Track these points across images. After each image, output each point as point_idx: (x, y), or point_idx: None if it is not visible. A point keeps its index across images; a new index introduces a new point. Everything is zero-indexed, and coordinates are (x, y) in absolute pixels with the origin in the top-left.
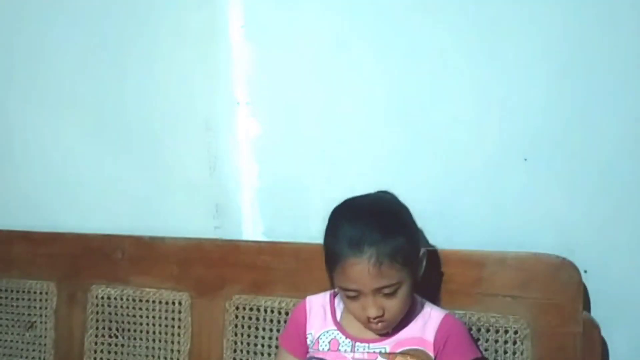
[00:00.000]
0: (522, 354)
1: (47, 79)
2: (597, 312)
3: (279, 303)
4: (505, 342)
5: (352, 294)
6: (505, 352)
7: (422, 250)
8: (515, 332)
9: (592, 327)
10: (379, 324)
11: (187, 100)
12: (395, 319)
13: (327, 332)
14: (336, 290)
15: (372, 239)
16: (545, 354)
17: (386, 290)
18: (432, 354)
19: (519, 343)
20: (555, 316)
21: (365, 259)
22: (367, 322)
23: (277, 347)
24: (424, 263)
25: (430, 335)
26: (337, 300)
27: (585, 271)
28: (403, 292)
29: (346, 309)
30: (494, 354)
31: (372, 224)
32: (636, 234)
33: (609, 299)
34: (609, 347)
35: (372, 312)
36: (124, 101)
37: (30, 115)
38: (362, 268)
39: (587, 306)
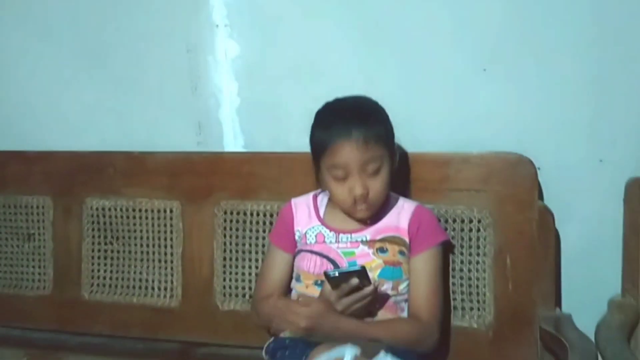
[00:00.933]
0: (485, 239)
1: (31, 3)
2: (550, 203)
3: (264, 206)
4: (470, 230)
5: (340, 173)
6: (470, 239)
7: (396, 144)
8: (479, 221)
9: (546, 214)
10: (363, 205)
11: (169, 24)
12: (377, 200)
13: (313, 227)
14: (319, 190)
15: (359, 123)
16: (506, 239)
17: (371, 167)
18: (407, 239)
19: (482, 230)
20: (514, 206)
21: (354, 139)
22: (352, 205)
23: (264, 246)
24: (397, 157)
25: (404, 223)
26: (319, 199)
27: (539, 168)
28: (384, 172)
29: (330, 204)
30: (460, 241)
31: (357, 113)
32: (584, 134)
33: (560, 191)
34: (560, 232)
35: (358, 190)
36: (108, 26)
37: (19, 39)
38: (351, 147)
39: (541, 198)
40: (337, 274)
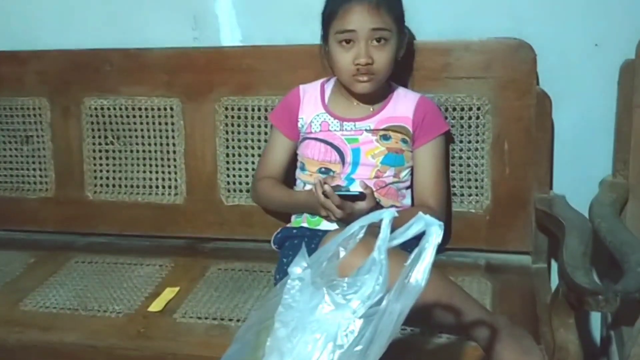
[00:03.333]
0: (484, 126)
1: None
2: (547, 88)
3: (265, 101)
4: (470, 117)
5: (347, 37)
6: (470, 127)
7: (406, 28)
8: (479, 109)
9: (544, 99)
10: (366, 75)
11: None
12: (380, 73)
13: (318, 115)
14: (326, 78)
15: None
16: (505, 124)
17: (378, 36)
18: (410, 129)
19: (481, 117)
20: (513, 91)
21: (367, 2)
22: (355, 74)
23: (265, 141)
24: (405, 43)
25: (408, 114)
26: (326, 86)
27: (536, 54)
28: (391, 46)
29: (335, 90)
30: (459, 129)
31: None
32: (579, 18)
33: (556, 76)
34: (554, 116)
35: (363, 59)
36: None
37: None
38: (363, 9)
39: (538, 84)
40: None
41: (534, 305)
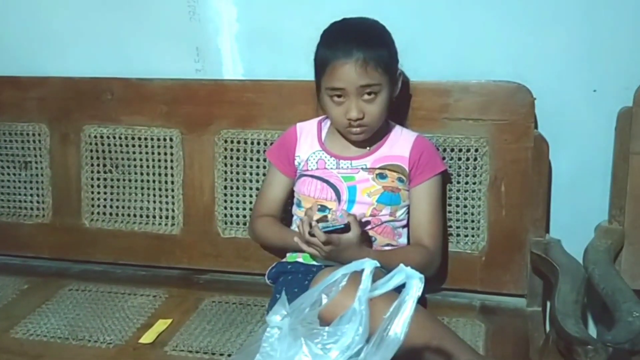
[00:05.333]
0: (481, 167)
1: None
2: (544, 132)
3: (265, 135)
4: (467, 158)
5: (337, 93)
6: (467, 168)
7: (399, 70)
8: (476, 150)
9: (541, 142)
10: (359, 127)
11: None
12: (372, 125)
13: (314, 153)
14: (323, 117)
15: (361, 45)
16: (502, 166)
17: (368, 91)
18: (406, 168)
19: (479, 159)
20: (510, 134)
21: (353, 60)
22: (348, 127)
23: (264, 174)
24: (400, 84)
25: (405, 153)
26: (322, 124)
27: (535, 98)
28: (382, 98)
29: (331, 129)
30: (457, 170)
31: (361, 34)
32: (579, 64)
33: (554, 121)
34: (552, 160)
35: (354, 114)
36: None
37: None
38: (350, 67)
39: (536, 127)
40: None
41: (527, 349)
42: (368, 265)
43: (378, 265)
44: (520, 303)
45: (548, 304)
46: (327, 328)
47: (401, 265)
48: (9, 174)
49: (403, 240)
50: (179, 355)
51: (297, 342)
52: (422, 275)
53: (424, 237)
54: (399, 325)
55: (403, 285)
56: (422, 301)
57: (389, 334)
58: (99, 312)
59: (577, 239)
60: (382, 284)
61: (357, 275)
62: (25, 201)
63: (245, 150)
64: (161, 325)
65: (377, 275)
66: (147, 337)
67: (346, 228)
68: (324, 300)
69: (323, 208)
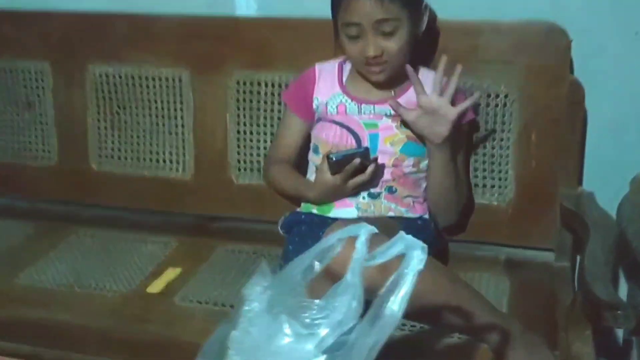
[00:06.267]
0: (510, 115)
1: None
2: (581, 76)
3: (280, 77)
4: (496, 105)
5: (353, 31)
6: (496, 115)
7: (424, 3)
8: (506, 96)
9: (577, 88)
10: (377, 66)
11: None
12: (392, 63)
13: (334, 96)
14: (345, 57)
15: None
16: (533, 114)
17: (386, 27)
18: None
19: (508, 105)
20: (543, 79)
21: None
22: (366, 66)
23: (279, 118)
24: (425, 18)
25: None
26: (344, 66)
27: (571, 40)
28: (402, 34)
29: (353, 71)
30: (485, 117)
31: None
32: (622, 5)
33: (591, 65)
34: (587, 108)
35: (371, 51)
36: None
37: None
38: (364, 3)
39: (571, 72)
40: (341, 157)
41: (554, 307)
42: (364, 231)
43: (375, 231)
44: (548, 258)
45: (578, 259)
46: (317, 301)
47: (401, 233)
48: (12, 114)
49: (424, 192)
50: (188, 306)
51: (277, 319)
52: (424, 246)
53: None
54: (397, 302)
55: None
56: (443, 253)
57: (385, 312)
58: (107, 260)
59: (611, 192)
60: (380, 253)
61: (354, 242)
62: (30, 142)
63: (259, 93)
64: (170, 274)
65: (376, 242)
66: (155, 287)
67: (364, 153)
68: (316, 268)
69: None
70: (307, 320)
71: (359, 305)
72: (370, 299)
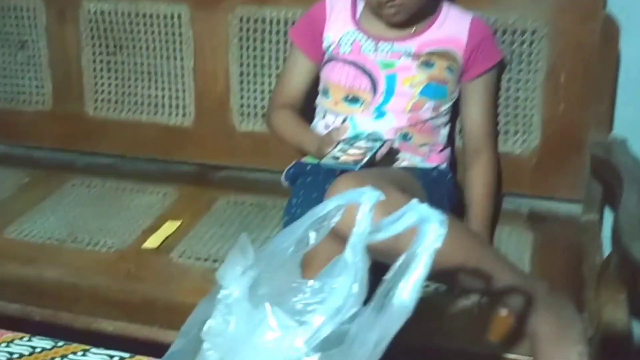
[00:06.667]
0: (538, 53)
1: None
2: (616, 12)
3: (286, 13)
4: (522, 43)
5: None
6: (522, 53)
7: None
8: (533, 33)
9: (611, 25)
10: (392, 8)
11: None
12: (410, 3)
13: (348, 33)
14: None
15: None
16: (562, 53)
17: None
18: (459, 55)
19: (536, 43)
20: (575, 14)
21: None
22: (380, 8)
23: (284, 59)
24: None
25: (461, 37)
26: (358, 1)
27: None
28: None
29: (366, 8)
30: (510, 55)
31: None
32: None
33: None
34: (621, 47)
35: None
36: None
37: None
38: None
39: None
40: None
41: (580, 264)
42: (367, 197)
43: (383, 198)
44: (574, 210)
45: (606, 213)
46: (311, 282)
47: (413, 201)
48: (4, 54)
49: (442, 140)
50: (185, 263)
51: (259, 308)
52: (442, 218)
53: (482, 138)
54: (407, 288)
55: None
56: (460, 206)
57: (393, 302)
58: (102, 211)
59: None
60: (386, 225)
61: (356, 210)
62: (23, 85)
63: (263, 31)
64: (169, 227)
65: (383, 207)
66: (152, 242)
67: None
68: (312, 240)
69: (355, 99)
70: (299, 306)
71: (361, 290)
72: (387, 262)
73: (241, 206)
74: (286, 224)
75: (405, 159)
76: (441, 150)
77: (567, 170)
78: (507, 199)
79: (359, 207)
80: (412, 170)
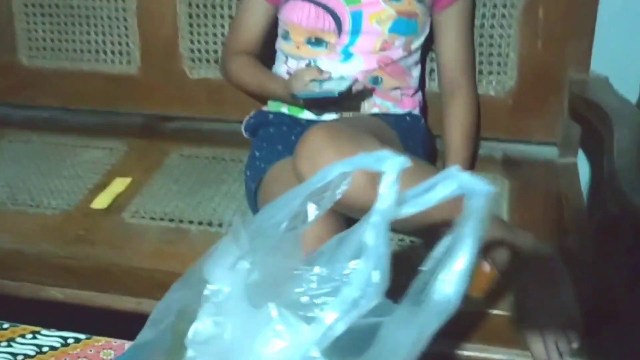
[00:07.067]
0: None
1: None
2: None
3: None
4: None
5: None
6: None
7: None
8: None
9: None
10: None
11: None
12: None
13: None
14: None
15: None
16: None
17: None
18: None
19: None
20: None
21: None
22: None
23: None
24: None
25: None
26: None
27: None
28: None
29: None
30: None
31: None
32: None
33: None
34: None
35: None
36: None
37: None
38: None
39: None
40: (312, 97)
41: (561, 210)
42: (390, 163)
43: (409, 164)
44: (551, 153)
45: (583, 155)
46: (317, 268)
47: (452, 168)
48: None
49: (413, 83)
50: (139, 224)
51: (261, 312)
52: (489, 189)
53: (459, 73)
54: (451, 280)
55: None
56: (432, 152)
57: (434, 296)
58: (44, 169)
59: (627, 77)
60: (413, 197)
61: (366, 177)
62: None
63: None
64: (118, 185)
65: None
66: (101, 201)
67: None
68: (311, 215)
69: (318, 41)
70: (304, 299)
71: (383, 278)
72: (355, 217)
73: (196, 159)
74: (249, 179)
75: (376, 105)
76: (413, 94)
77: (545, 111)
78: (481, 143)
79: (381, 177)
80: (385, 117)
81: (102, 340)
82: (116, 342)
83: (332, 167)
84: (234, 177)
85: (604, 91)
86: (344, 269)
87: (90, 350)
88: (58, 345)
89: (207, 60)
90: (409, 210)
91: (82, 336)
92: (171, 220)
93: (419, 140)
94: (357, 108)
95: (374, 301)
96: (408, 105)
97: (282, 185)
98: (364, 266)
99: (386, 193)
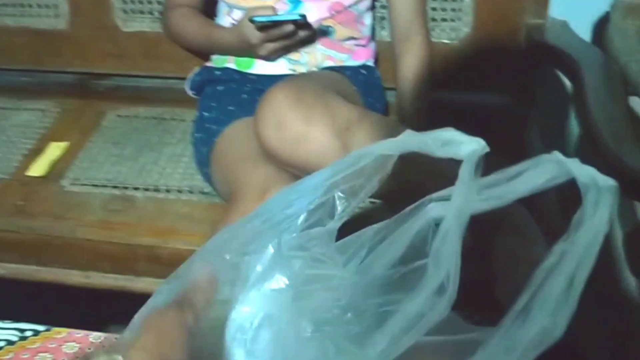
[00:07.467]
0: None
1: None
2: None
3: None
4: None
5: None
6: None
7: None
8: None
9: None
10: None
11: None
12: None
13: None
14: None
15: None
16: None
17: None
18: None
19: None
20: None
21: None
22: None
23: None
24: None
25: None
26: None
27: None
28: None
29: None
30: None
31: None
32: None
33: None
34: None
35: None
36: None
37: None
38: None
39: None
40: (266, 22)
41: (520, 160)
42: (466, 148)
43: (487, 149)
44: (506, 103)
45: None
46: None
47: (555, 153)
48: None
49: (366, 32)
50: (81, 192)
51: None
52: (613, 184)
53: (412, 19)
54: (560, 301)
55: None
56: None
57: (535, 318)
58: None
59: (586, 21)
60: (491, 187)
61: (413, 162)
62: None
63: None
64: (54, 150)
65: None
66: (38, 168)
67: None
68: (339, 206)
69: None
70: (349, 315)
71: (453, 289)
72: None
73: (135, 119)
74: (200, 142)
75: (330, 57)
76: (366, 44)
77: (501, 59)
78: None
79: (463, 179)
80: (341, 70)
81: (64, 332)
82: (79, 334)
83: (371, 148)
84: (178, 138)
85: (567, 37)
86: (399, 271)
87: (52, 344)
88: (15, 339)
89: (141, 12)
90: (489, 204)
91: (40, 327)
92: (115, 187)
93: (377, 94)
94: (312, 40)
95: (438, 317)
96: (362, 56)
97: (238, 147)
98: (429, 274)
99: (463, 187)
